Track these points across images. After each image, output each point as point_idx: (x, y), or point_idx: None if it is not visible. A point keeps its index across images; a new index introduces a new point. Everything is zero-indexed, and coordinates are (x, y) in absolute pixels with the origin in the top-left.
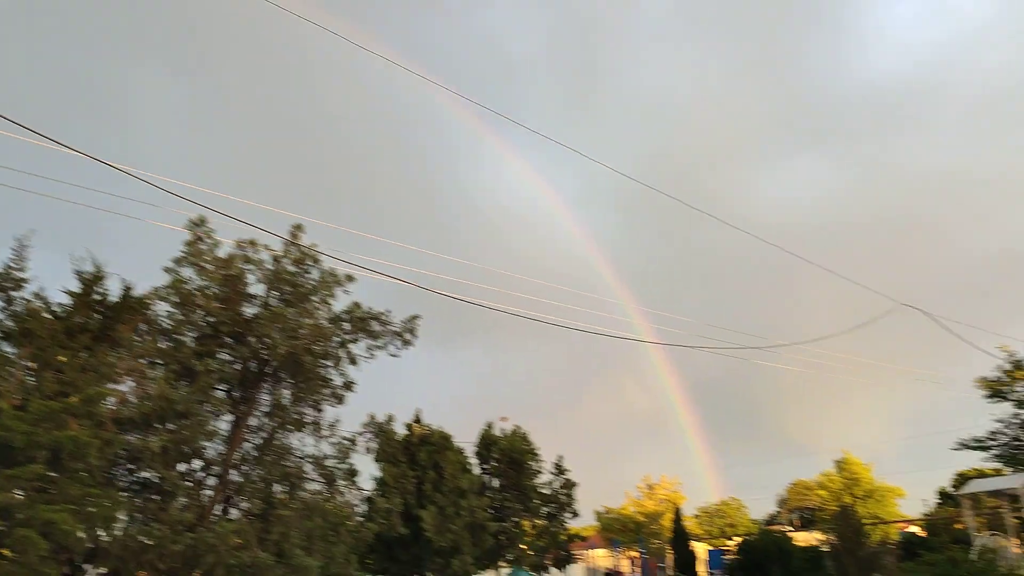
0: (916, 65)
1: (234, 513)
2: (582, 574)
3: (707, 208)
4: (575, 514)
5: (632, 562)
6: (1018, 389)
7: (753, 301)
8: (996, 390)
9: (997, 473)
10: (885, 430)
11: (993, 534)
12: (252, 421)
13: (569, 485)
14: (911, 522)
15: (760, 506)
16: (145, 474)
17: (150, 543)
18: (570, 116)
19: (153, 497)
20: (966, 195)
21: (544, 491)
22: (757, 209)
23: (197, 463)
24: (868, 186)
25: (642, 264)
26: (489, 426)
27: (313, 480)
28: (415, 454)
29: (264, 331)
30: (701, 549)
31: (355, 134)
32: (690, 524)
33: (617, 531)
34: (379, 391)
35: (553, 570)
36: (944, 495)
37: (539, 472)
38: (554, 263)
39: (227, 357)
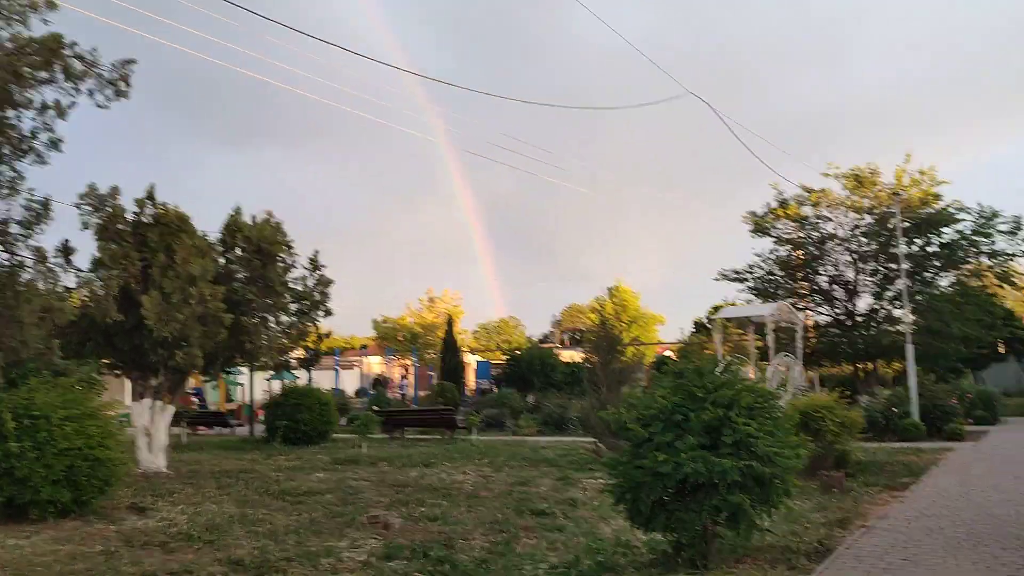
0: None
1: None
2: (356, 379)
3: (522, 37)
4: (328, 312)
5: (406, 370)
6: (779, 226)
7: (550, 131)
8: (760, 226)
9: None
10: (659, 262)
11: (737, 358)
12: None
13: (324, 282)
14: (667, 346)
15: (538, 326)
16: None
17: None
18: None
19: None
20: (777, 56)
21: (296, 287)
22: (575, 41)
23: None
24: (689, 36)
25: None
26: (237, 211)
27: None
28: (145, 235)
29: None
30: (475, 361)
31: None
32: (470, 339)
33: (393, 340)
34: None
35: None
36: (698, 325)
37: (292, 266)
38: (358, 72)
39: None
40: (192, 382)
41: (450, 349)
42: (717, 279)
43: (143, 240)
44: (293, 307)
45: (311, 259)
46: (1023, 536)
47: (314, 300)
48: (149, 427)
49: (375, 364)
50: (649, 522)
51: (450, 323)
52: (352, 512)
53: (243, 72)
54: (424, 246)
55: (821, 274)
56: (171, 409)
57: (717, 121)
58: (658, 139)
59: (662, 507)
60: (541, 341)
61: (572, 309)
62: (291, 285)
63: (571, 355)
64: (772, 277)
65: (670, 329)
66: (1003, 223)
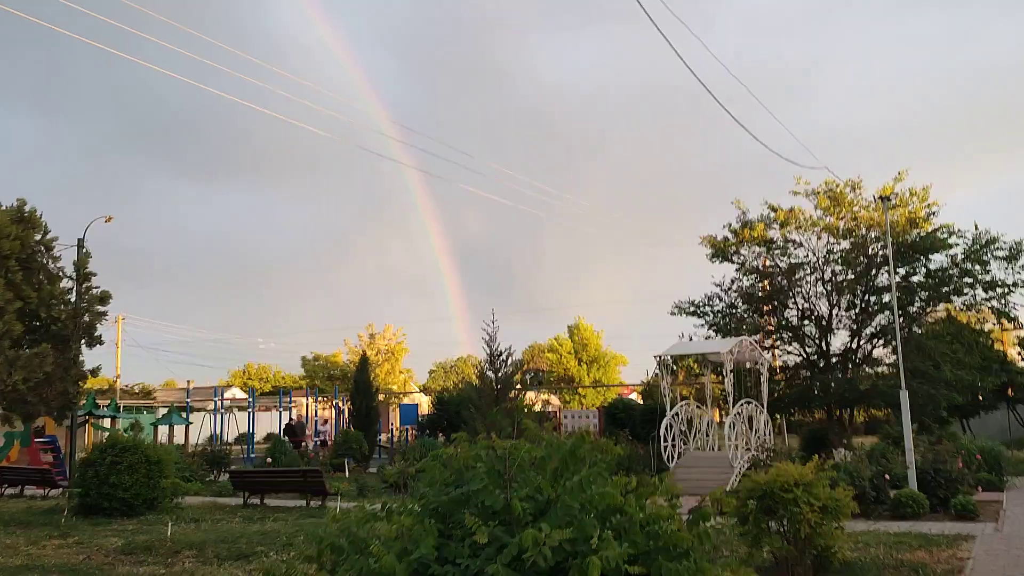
0: None
1: None
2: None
3: (492, 69)
4: (95, 342)
5: (338, 411)
6: (743, 252)
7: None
8: (720, 250)
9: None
10: (626, 299)
11: (687, 401)
12: None
13: (98, 299)
14: (630, 388)
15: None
16: None
17: None
18: None
19: None
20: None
21: (56, 304)
22: (540, 74)
23: None
24: (645, 73)
25: (420, 113)
26: None
27: None
28: None
29: None
30: (409, 403)
31: None
32: (425, 377)
33: (323, 379)
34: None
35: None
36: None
37: (57, 276)
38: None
39: None
40: (46, 428)
41: (361, 391)
42: (673, 313)
43: None
44: (52, 330)
45: (76, 265)
46: None
47: (78, 323)
48: None
49: (307, 407)
50: None
51: (363, 362)
52: None
53: (211, 92)
54: (389, 282)
55: (790, 307)
56: None
57: (693, 154)
58: (633, 173)
59: None
60: None
61: (533, 348)
62: (51, 302)
63: (529, 397)
64: (733, 311)
65: (634, 370)
66: (1000, 250)
